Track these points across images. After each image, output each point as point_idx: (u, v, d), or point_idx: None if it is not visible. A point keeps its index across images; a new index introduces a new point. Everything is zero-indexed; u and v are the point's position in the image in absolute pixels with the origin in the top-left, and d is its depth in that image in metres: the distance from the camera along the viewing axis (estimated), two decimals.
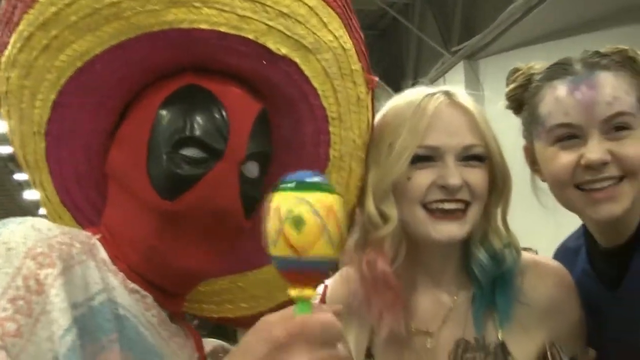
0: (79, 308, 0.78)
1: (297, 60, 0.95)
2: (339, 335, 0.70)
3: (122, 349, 0.82)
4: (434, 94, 1.20)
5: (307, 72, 0.97)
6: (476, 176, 1.17)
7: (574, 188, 1.18)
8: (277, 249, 0.70)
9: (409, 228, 1.19)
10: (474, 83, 7.97)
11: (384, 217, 1.18)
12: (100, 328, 0.80)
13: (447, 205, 1.16)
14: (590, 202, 1.17)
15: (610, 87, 1.16)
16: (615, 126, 1.15)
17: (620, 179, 1.15)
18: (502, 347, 1.18)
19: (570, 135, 1.18)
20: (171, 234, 0.88)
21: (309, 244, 0.68)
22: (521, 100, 1.31)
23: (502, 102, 1.36)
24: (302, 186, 0.71)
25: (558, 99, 1.19)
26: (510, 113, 1.36)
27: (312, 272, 0.71)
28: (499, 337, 1.19)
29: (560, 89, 1.19)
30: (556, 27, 6.67)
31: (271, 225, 0.70)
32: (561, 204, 1.25)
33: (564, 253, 1.42)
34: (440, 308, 1.24)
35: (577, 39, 6.29)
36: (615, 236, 1.23)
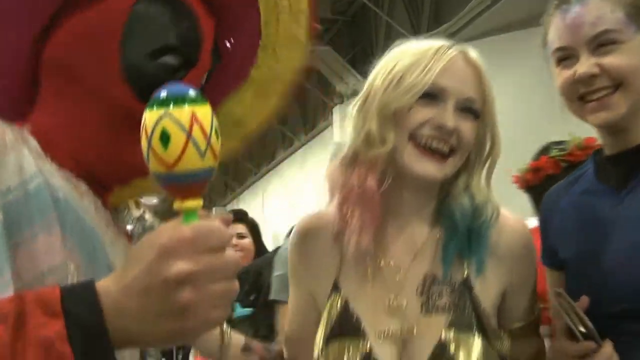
0: (13, 192, 0.78)
1: None
2: (225, 241, 0.70)
3: (62, 231, 0.81)
4: (450, 45, 1.27)
5: None
6: (468, 127, 1.24)
7: (577, 100, 1.31)
8: (151, 166, 0.70)
9: (397, 156, 1.25)
10: None
11: (382, 139, 1.24)
12: (38, 210, 0.80)
13: (435, 144, 1.22)
14: (588, 111, 1.30)
15: (595, 8, 1.28)
16: (602, 43, 1.27)
17: (616, 88, 1.28)
18: (466, 283, 1.26)
19: (567, 56, 1.31)
20: (131, 133, 0.85)
21: (176, 158, 0.67)
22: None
23: None
24: (164, 101, 0.68)
25: (556, 25, 1.34)
26: None
27: (187, 184, 0.70)
28: (464, 277, 1.27)
29: (558, 15, 1.33)
30: (525, 15, 6.68)
31: (143, 143, 0.69)
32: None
33: (555, 189, 1.52)
34: (412, 245, 1.31)
35: None
36: (622, 142, 1.34)
